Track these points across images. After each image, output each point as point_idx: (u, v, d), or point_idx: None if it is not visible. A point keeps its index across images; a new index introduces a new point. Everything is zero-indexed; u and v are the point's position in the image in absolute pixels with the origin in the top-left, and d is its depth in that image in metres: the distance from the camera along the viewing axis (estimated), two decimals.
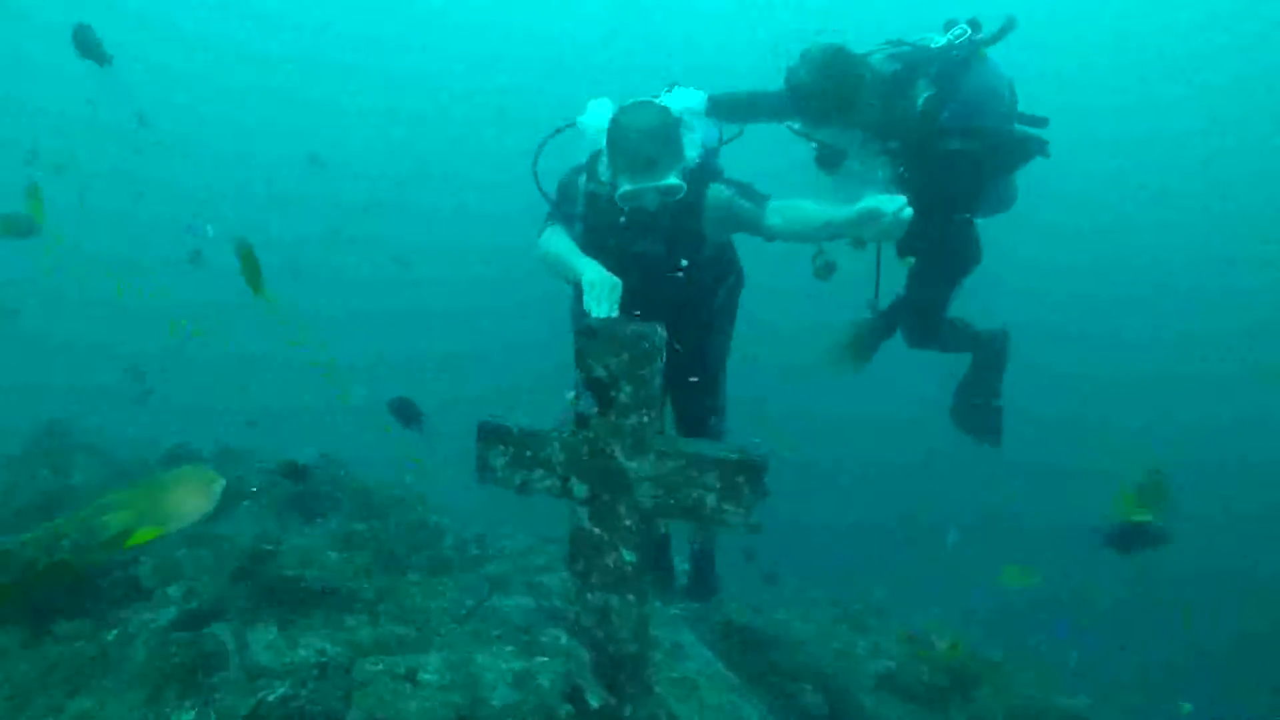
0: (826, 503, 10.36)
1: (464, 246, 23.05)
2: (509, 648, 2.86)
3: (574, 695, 1.86)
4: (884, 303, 3.47)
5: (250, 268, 3.05)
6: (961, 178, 3.01)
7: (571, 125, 3.01)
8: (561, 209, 2.92)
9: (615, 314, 2.40)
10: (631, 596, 1.82)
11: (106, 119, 16.78)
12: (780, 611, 5.33)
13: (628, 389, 1.79)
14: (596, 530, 1.84)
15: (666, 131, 2.60)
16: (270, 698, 2.10)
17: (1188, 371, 18.46)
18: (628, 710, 1.83)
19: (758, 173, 2.88)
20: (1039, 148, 2.95)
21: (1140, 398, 16.77)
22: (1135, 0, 22.16)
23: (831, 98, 2.88)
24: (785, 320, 12.90)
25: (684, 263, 2.77)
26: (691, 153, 2.73)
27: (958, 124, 2.92)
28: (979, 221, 3.33)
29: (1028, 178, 3.36)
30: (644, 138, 2.56)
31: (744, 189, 2.74)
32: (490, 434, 1.96)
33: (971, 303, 3.67)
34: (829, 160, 3.16)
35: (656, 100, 2.77)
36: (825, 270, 2.96)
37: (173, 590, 2.71)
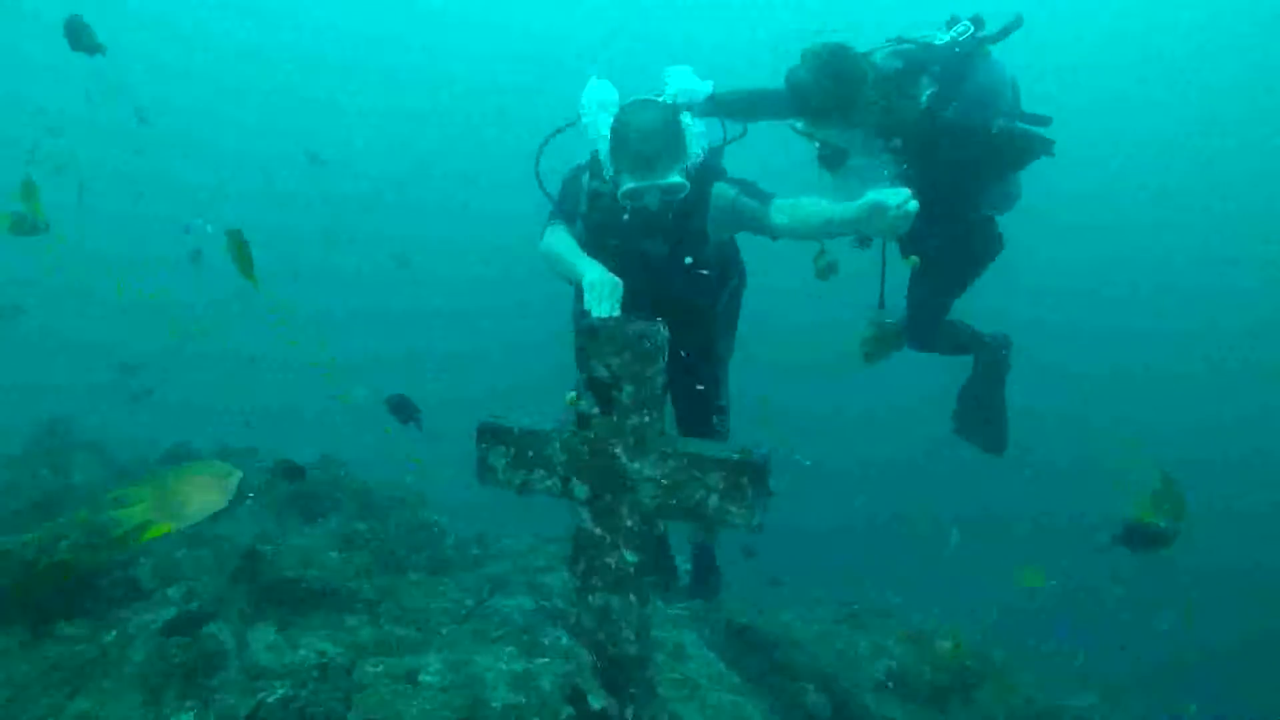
0: (827, 502, 10.34)
1: (464, 246, 23.06)
2: (510, 648, 2.86)
3: (575, 697, 1.85)
4: (890, 304, 3.45)
5: (241, 255, 3.02)
6: (967, 175, 2.99)
7: (572, 124, 3.00)
8: (564, 208, 2.90)
9: (617, 313, 2.38)
10: (633, 597, 1.80)
11: (106, 116, 16.79)
12: (782, 612, 5.32)
13: (629, 389, 1.77)
14: (598, 531, 1.83)
15: (670, 129, 2.59)
16: (270, 699, 2.09)
17: (1188, 370, 18.46)
18: (630, 712, 1.81)
19: (759, 172, 2.87)
20: (1044, 146, 2.92)
21: (1140, 396, 16.77)
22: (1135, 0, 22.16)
23: (833, 96, 2.86)
24: (787, 320, 12.89)
25: (689, 260, 2.75)
26: (695, 148, 2.72)
27: (962, 121, 2.90)
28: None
29: (1028, 176, 3.35)
30: (647, 135, 2.54)
31: (748, 187, 2.72)
32: (491, 434, 1.95)
33: (979, 302, 3.65)
34: (832, 159, 3.14)
35: (660, 98, 2.76)
36: (827, 270, 2.93)
37: (173, 591, 2.70)
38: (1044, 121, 3.01)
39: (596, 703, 1.83)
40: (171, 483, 2.09)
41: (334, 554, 3.49)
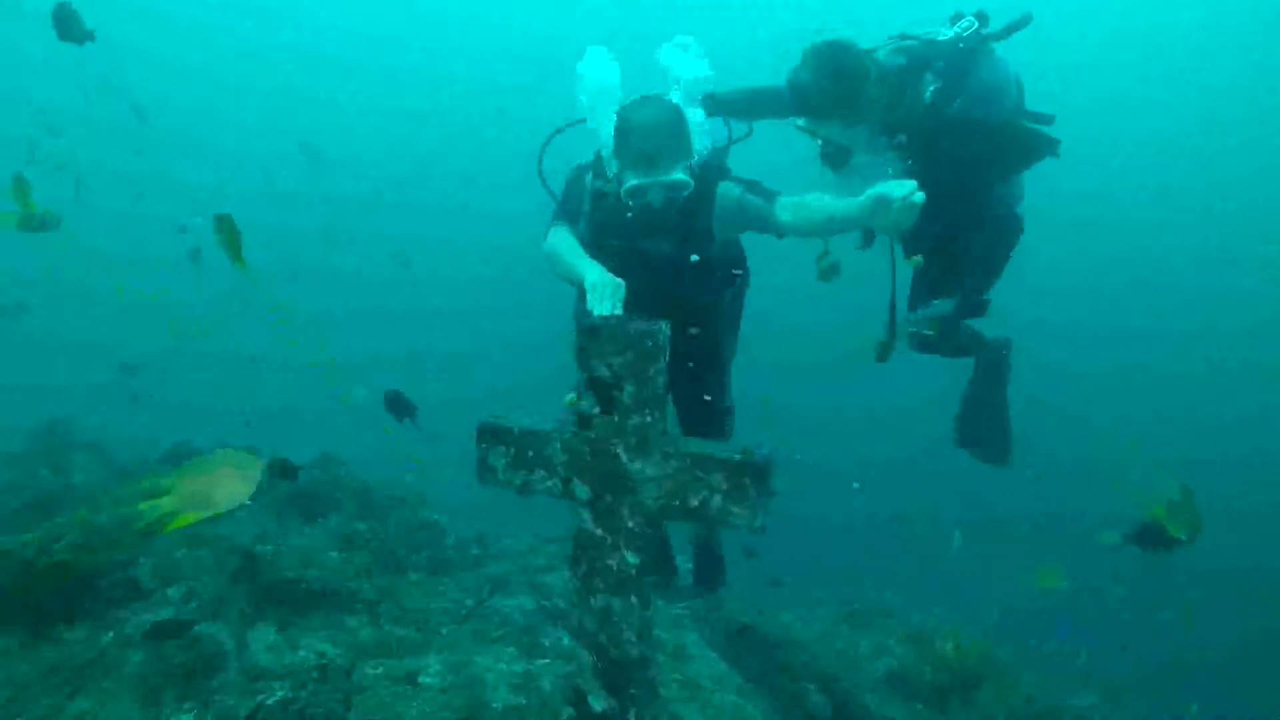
0: (827, 502, 10.33)
1: (464, 246, 23.05)
2: (510, 649, 2.85)
3: (577, 699, 1.84)
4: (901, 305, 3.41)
5: (230, 241, 2.97)
6: (971, 172, 2.97)
7: (573, 124, 2.99)
8: (567, 208, 2.89)
9: (619, 313, 2.37)
10: (634, 599, 1.79)
11: (104, 114, 16.77)
12: (782, 612, 5.32)
13: (631, 388, 1.76)
14: (599, 532, 1.82)
15: (674, 126, 2.58)
16: (270, 701, 2.08)
17: (1188, 370, 18.47)
18: (631, 714, 1.80)
19: (761, 171, 2.86)
20: (1049, 146, 2.90)
21: (1140, 396, 16.78)
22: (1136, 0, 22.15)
23: (833, 95, 2.85)
24: (788, 319, 12.88)
25: (695, 258, 2.74)
26: (700, 144, 2.71)
27: (967, 116, 2.88)
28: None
29: (1028, 174, 3.33)
30: (650, 132, 2.53)
31: (753, 186, 2.71)
32: (491, 434, 1.94)
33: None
34: (834, 157, 3.13)
35: (665, 96, 2.76)
36: (830, 271, 2.92)
37: (172, 591, 2.68)
38: (1047, 120, 2.99)
39: (598, 704, 1.82)
40: (198, 474, 2.07)
41: (334, 554, 3.48)
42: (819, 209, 2.51)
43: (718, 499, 1.70)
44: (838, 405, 15.63)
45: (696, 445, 1.78)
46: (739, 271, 3.10)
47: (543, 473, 1.88)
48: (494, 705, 2.34)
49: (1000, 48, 3.07)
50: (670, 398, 2.88)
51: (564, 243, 2.76)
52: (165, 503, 1.96)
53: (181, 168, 20.95)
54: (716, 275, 2.90)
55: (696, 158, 2.70)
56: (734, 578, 4.09)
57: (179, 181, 19.86)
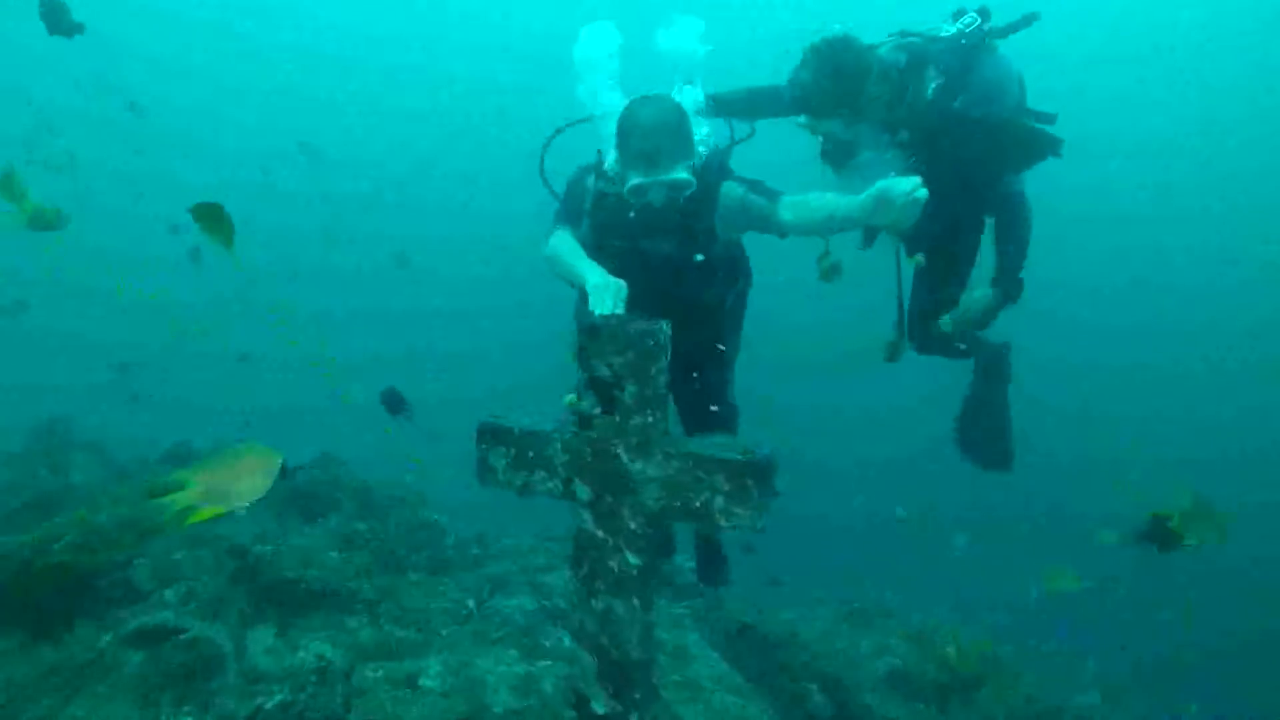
0: (827, 501, 10.33)
1: (465, 245, 23.03)
2: (511, 651, 2.83)
3: (578, 701, 1.83)
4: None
5: (214, 227, 2.82)
6: (974, 170, 2.95)
7: (573, 124, 2.98)
8: (568, 208, 2.88)
9: (620, 313, 2.36)
10: (636, 601, 1.78)
11: (101, 111, 16.74)
12: (783, 611, 5.31)
13: (632, 388, 1.75)
14: (600, 533, 1.80)
15: (677, 125, 2.57)
16: (269, 704, 2.07)
17: (1189, 369, 18.47)
18: (633, 716, 1.79)
19: (761, 170, 2.85)
20: (1052, 146, 2.88)
21: (1140, 395, 16.78)
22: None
23: (833, 95, 2.84)
24: (788, 319, 12.87)
25: (700, 258, 2.73)
26: (702, 135, 2.70)
27: (969, 113, 2.86)
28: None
29: (1029, 172, 3.31)
30: (653, 130, 2.52)
31: (756, 185, 2.70)
32: (491, 435, 1.92)
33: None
34: (835, 155, 3.11)
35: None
36: (831, 272, 2.90)
37: (171, 593, 2.67)
38: (1049, 119, 2.98)
39: (599, 707, 1.80)
40: (218, 466, 2.05)
41: (334, 554, 3.47)
42: (820, 207, 2.49)
43: (720, 500, 1.69)
44: (838, 405, 15.63)
45: (698, 446, 1.77)
46: (741, 272, 3.08)
47: (543, 473, 1.87)
48: (495, 708, 2.32)
49: (1003, 45, 3.05)
50: (672, 399, 2.87)
51: (565, 245, 2.75)
52: (183, 497, 1.93)
53: (181, 167, 20.94)
54: (719, 276, 2.88)
55: (698, 157, 2.69)
56: (734, 577, 4.08)
57: (179, 181, 19.85)
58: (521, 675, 2.54)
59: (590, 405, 1.80)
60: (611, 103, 2.83)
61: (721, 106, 3.02)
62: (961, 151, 2.90)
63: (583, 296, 2.56)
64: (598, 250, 2.73)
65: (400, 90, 26.92)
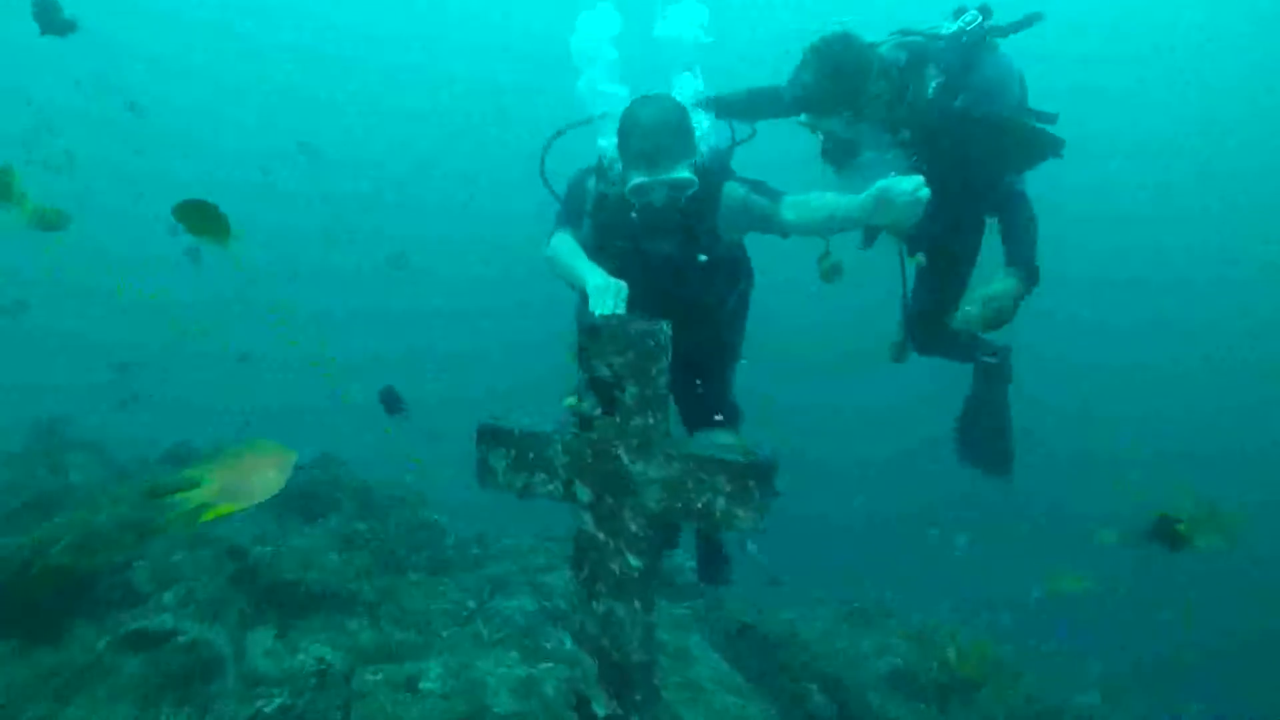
0: (827, 501, 10.32)
1: (465, 245, 23.02)
2: (512, 653, 2.82)
3: (580, 705, 1.82)
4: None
5: (202, 226, 2.69)
6: (976, 169, 2.94)
7: (575, 125, 2.97)
8: (569, 207, 2.87)
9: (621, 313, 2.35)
10: (637, 603, 1.77)
11: (100, 110, 16.73)
12: (783, 611, 5.31)
13: (633, 389, 1.74)
14: (601, 535, 1.79)
15: (678, 124, 2.56)
16: (268, 708, 2.06)
17: (1188, 367, 18.47)
18: (635, 719, 1.78)
19: (762, 171, 2.84)
20: (1054, 147, 2.87)
21: (1140, 393, 16.78)
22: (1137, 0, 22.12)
23: (834, 94, 2.82)
24: (787, 318, 12.86)
25: (703, 259, 2.72)
26: (703, 144, 2.69)
27: (971, 112, 2.84)
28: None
29: (1031, 171, 3.30)
30: (655, 129, 2.51)
31: (758, 186, 2.69)
32: (490, 436, 1.91)
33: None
34: (836, 154, 3.10)
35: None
36: (832, 272, 2.89)
37: (169, 595, 2.66)
38: (1051, 119, 2.96)
39: (601, 709, 1.80)
40: (233, 462, 2.03)
41: (334, 555, 3.46)
42: (821, 207, 2.49)
43: (721, 501, 1.68)
44: (838, 404, 15.63)
45: (699, 447, 1.76)
46: (743, 274, 3.07)
47: (544, 475, 1.85)
48: (496, 710, 2.31)
49: (1004, 45, 3.03)
50: (673, 400, 2.86)
51: (565, 247, 2.74)
52: (198, 495, 1.92)
53: (181, 167, 20.93)
54: (721, 277, 2.88)
55: (700, 157, 2.68)
56: (735, 576, 4.07)
57: (179, 181, 19.84)
58: (522, 677, 2.53)
59: (591, 406, 1.78)
60: (612, 94, 2.82)
61: (722, 108, 3.01)
62: (963, 151, 2.88)
63: (584, 298, 2.55)
64: (599, 251, 2.72)
65: (400, 90, 26.89)
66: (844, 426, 14.98)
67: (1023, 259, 3.07)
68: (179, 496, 1.89)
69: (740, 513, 1.66)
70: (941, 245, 3.12)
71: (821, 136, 3.11)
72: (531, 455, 1.86)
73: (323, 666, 2.37)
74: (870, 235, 3.42)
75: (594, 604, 1.80)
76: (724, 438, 2.90)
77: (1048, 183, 3.44)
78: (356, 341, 16.34)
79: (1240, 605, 8.30)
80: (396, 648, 2.70)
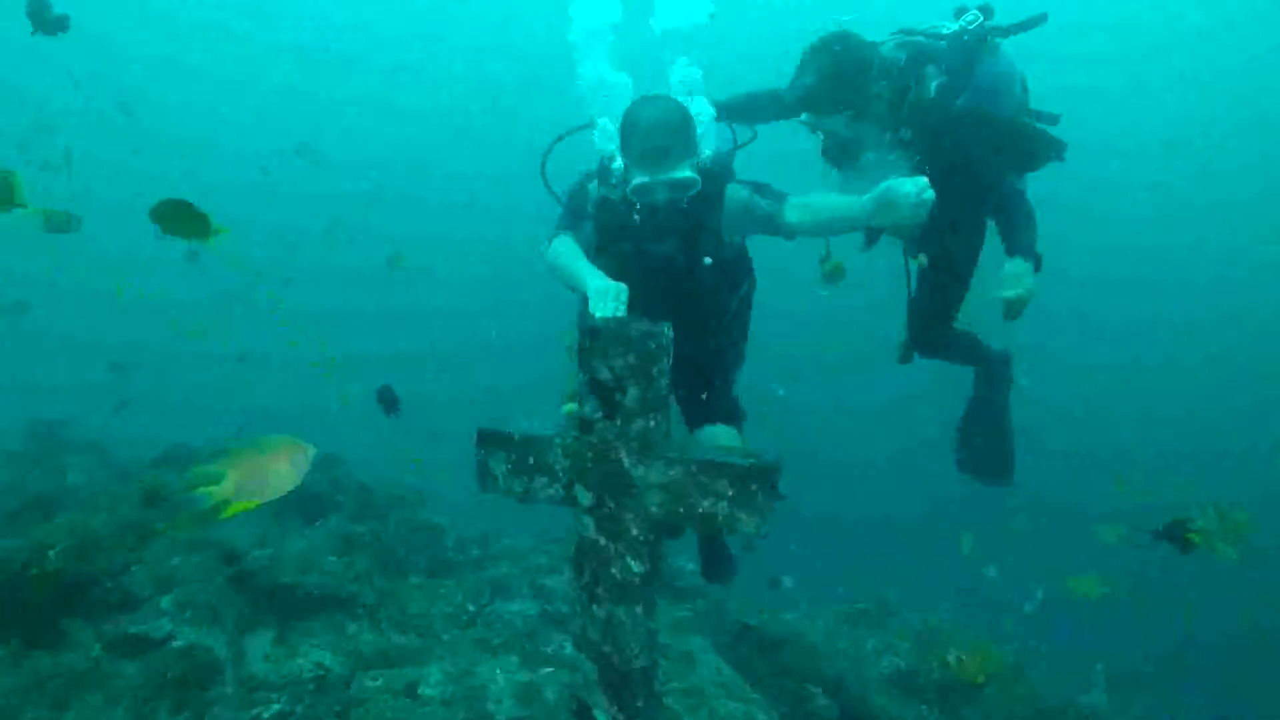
0: (831, 498, 10.30)
1: (465, 244, 23.00)
2: (513, 658, 2.80)
3: (581, 711, 1.80)
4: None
5: (181, 222, 2.64)
6: (977, 168, 2.92)
7: (576, 130, 2.95)
8: (570, 211, 2.86)
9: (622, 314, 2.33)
10: (639, 608, 1.75)
11: (97, 109, 16.70)
12: (787, 611, 5.30)
13: (633, 391, 1.72)
14: (602, 540, 1.77)
15: (680, 124, 2.55)
16: (266, 715, 2.04)
17: (1189, 367, 18.47)
18: None
19: (763, 172, 2.83)
20: (1055, 148, 2.85)
21: (1140, 392, 16.78)
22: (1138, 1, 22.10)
23: (834, 95, 2.81)
24: (788, 317, 12.85)
25: (708, 260, 2.70)
26: (705, 146, 2.68)
27: (973, 111, 2.83)
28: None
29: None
30: (656, 129, 2.50)
31: (761, 188, 2.68)
32: (490, 440, 1.89)
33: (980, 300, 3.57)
34: (837, 154, 3.09)
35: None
36: (834, 273, 2.87)
37: (167, 599, 2.63)
38: (1053, 120, 2.95)
39: (602, 716, 1.78)
40: (252, 458, 2.01)
41: (333, 558, 3.44)
42: (824, 208, 2.47)
43: (724, 505, 1.66)
44: (839, 404, 15.61)
45: (703, 450, 1.74)
46: (745, 276, 3.06)
47: (544, 479, 1.84)
48: (497, 717, 2.30)
49: (1005, 45, 3.02)
50: (675, 403, 2.84)
51: (567, 250, 2.72)
52: (218, 491, 1.89)
53: (180, 167, 20.90)
54: (724, 279, 2.86)
55: (702, 157, 2.66)
56: (737, 575, 4.06)
57: (178, 181, 19.81)
58: (523, 683, 2.51)
59: (591, 409, 1.77)
60: (613, 83, 2.79)
61: (723, 111, 3.00)
62: (964, 151, 2.86)
63: (585, 301, 2.53)
64: (600, 254, 2.71)
65: (400, 90, 26.87)
66: (845, 426, 14.97)
67: (1025, 245, 3.05)
68: (194, 494, 1.87)
69: (743, 516, 1.64)
70: (943, 246, 3.10)
71: (822, 136, 3.09)
72: (532, 459, 1.84)
73: (321, 672, 2.35)
74: (872, 237, 3.41)
75: (595, 609, 1.78)
76: (726, 437, 2.89)
77: (1048, 182, 3.43)
78: (356, 341, 16.32)
79: (1240, 605, 8.29)
80: (396, 652, 2.68)
